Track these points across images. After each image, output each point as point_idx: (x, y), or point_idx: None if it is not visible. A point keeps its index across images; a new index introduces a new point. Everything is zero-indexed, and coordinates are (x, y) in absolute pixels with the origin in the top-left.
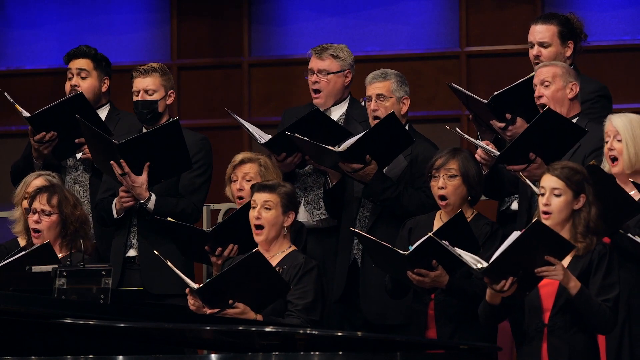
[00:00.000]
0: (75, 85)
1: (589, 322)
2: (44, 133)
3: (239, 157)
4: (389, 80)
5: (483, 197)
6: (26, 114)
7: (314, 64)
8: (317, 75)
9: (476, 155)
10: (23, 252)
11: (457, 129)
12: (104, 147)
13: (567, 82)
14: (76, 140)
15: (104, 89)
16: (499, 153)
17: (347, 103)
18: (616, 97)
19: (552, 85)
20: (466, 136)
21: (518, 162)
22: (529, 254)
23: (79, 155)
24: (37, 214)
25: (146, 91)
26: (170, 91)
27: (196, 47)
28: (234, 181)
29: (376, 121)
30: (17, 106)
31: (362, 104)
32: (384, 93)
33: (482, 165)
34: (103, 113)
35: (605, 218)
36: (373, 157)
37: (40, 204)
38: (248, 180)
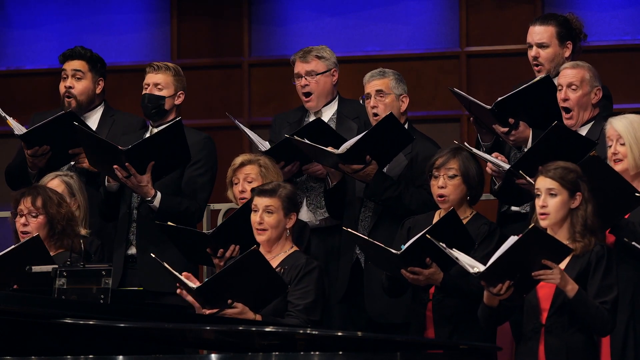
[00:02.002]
0: (70, 87)
1: (586, 324)
2: (37, 147)
3: (238, 159)
4: (387, 77)
5: (483, 197)
6: (18, 131)
7: (300, 67)
8: (306, 79)
9: (487, 169)
10: (12, 247)
11: (466, 143)
12: (106, 153)
13: (593, 87)
14: (70, 151)
15: (98, 90)
16: (506, 167)
17: (336, 102)
18: (616, 97)
19: (579, 90)
20: (475, 150)
21: (527, 175)
22: (526, 258)
23: (72, 163)
24: (23, 217)
25: (155, 85)
26: (180, 92)
27: (196, 47)
28: (236, 184)
29: (376, 118)
30: (9, 121)
31: (361, 102)
32: (383, 89)
33: (495, 177)
34: (97, 114)
35: (602, 213)
36: (373, 157)
37: (25, 206)
38: (250, 182)
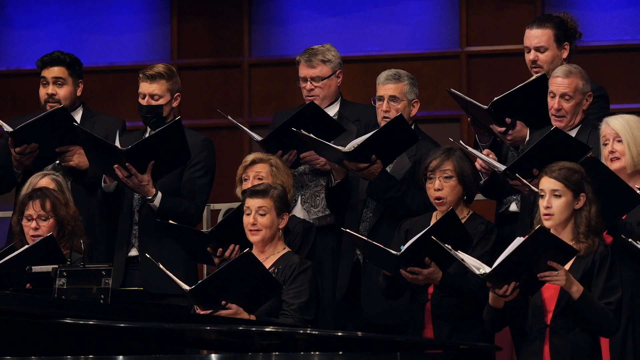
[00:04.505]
0: (53, 94)
1: (591, 325)
2: (26, 145)
3: (250, 157)
4: (402, 82)
5: (482, 198)
6: (7, 128)
7: (306, 72)
8: (311, 83)
9: (476, 164)
10: (27, 246)
11: (461, 142)
12: (106, 153)
13: (585, 94)
14: (57, 149)
15: (78, 93)
16: (501, 167)
17: (338, 103)
18: (616, 97)
19: (572, 100)
20: (470, 149)
21: (522, 177)
22: (532, 259)
23: (57, 162)
24: (33, 221)
25: (152, 96)
26: (177, 94)
27: (196, 47)
28: (245, 180)
29: (386, 122)
30: None
31: (372, 103)
32: (397, 95)
33: (482, 173)
34: (77, 116)
35: (604, 212)
36: (378, 156)
37: (34, 210)
38: (260, 179)
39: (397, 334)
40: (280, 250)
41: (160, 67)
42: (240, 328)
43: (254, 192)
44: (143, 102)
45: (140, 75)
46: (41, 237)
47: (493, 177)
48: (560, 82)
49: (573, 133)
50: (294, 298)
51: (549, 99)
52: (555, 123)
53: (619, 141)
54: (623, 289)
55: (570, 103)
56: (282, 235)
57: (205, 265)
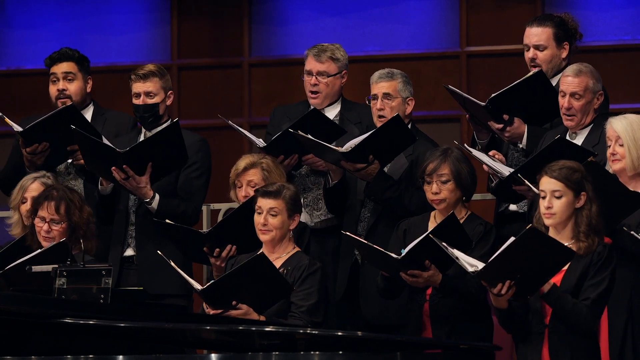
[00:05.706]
0: (64, 89)
1: (563, 320)
2: (37, 145)
3: (241, 164)
4: (396, 80)
5: (480, 197)
6: (17, 128)
7: (313, 66)
8: (316, 78)
9: (484, 166)
10: (39, 251)
11: (466, 145)
12: (103, 155)
13: (596, 92)
14: (68, 148)
15: (88, 89)
16: (504, 172)
17: (339, 104)
18: (616, 97)
19: (583, 98)
20: (473, 152)
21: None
22: (526, 259)
23: (70, 160)
24: (46, 224)
25: (147, 94)
26: (170, 92)
27: (196, 47)
28: (239, 187)
29: (381, 120)
30: (7, 119)
31: (367, 102)
32: (390, 92)
33: (492, 175)
34: (88, 113)
35: (605, 215)
36: (375, 157)
37: (48, 213)
38: (253, 186)
39: (396, 334)
40: (290, 250)
41: (151, 66)
42: (240, 328)
43: (266, 193)
44: (138, 101)
45: (133, 76)
46: (54, 243)
47: (505, 179)
48: (570, 82)
49: (585, 132)
50: (302, 300)
51: (559, 98)
52: (567, 123)
53: (621, 144)
54: (611, 283)
55: (581, 102)
56: (292, 236)
57: (204, 267)
